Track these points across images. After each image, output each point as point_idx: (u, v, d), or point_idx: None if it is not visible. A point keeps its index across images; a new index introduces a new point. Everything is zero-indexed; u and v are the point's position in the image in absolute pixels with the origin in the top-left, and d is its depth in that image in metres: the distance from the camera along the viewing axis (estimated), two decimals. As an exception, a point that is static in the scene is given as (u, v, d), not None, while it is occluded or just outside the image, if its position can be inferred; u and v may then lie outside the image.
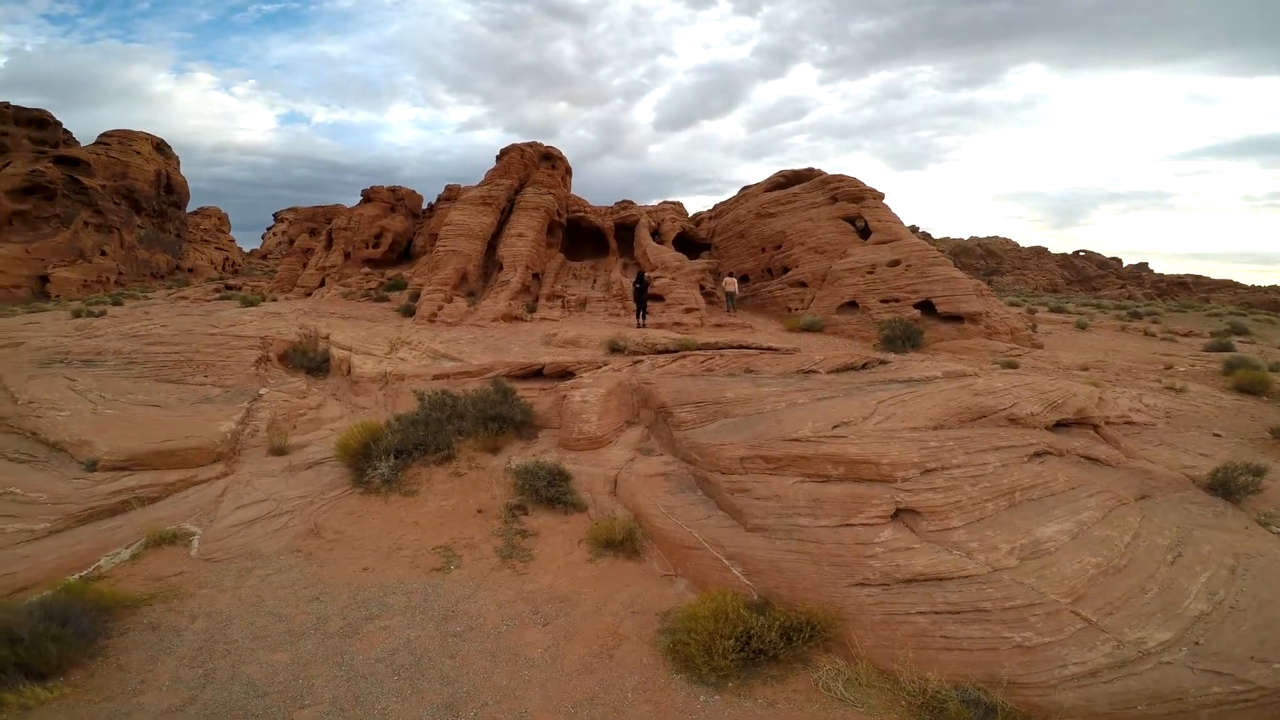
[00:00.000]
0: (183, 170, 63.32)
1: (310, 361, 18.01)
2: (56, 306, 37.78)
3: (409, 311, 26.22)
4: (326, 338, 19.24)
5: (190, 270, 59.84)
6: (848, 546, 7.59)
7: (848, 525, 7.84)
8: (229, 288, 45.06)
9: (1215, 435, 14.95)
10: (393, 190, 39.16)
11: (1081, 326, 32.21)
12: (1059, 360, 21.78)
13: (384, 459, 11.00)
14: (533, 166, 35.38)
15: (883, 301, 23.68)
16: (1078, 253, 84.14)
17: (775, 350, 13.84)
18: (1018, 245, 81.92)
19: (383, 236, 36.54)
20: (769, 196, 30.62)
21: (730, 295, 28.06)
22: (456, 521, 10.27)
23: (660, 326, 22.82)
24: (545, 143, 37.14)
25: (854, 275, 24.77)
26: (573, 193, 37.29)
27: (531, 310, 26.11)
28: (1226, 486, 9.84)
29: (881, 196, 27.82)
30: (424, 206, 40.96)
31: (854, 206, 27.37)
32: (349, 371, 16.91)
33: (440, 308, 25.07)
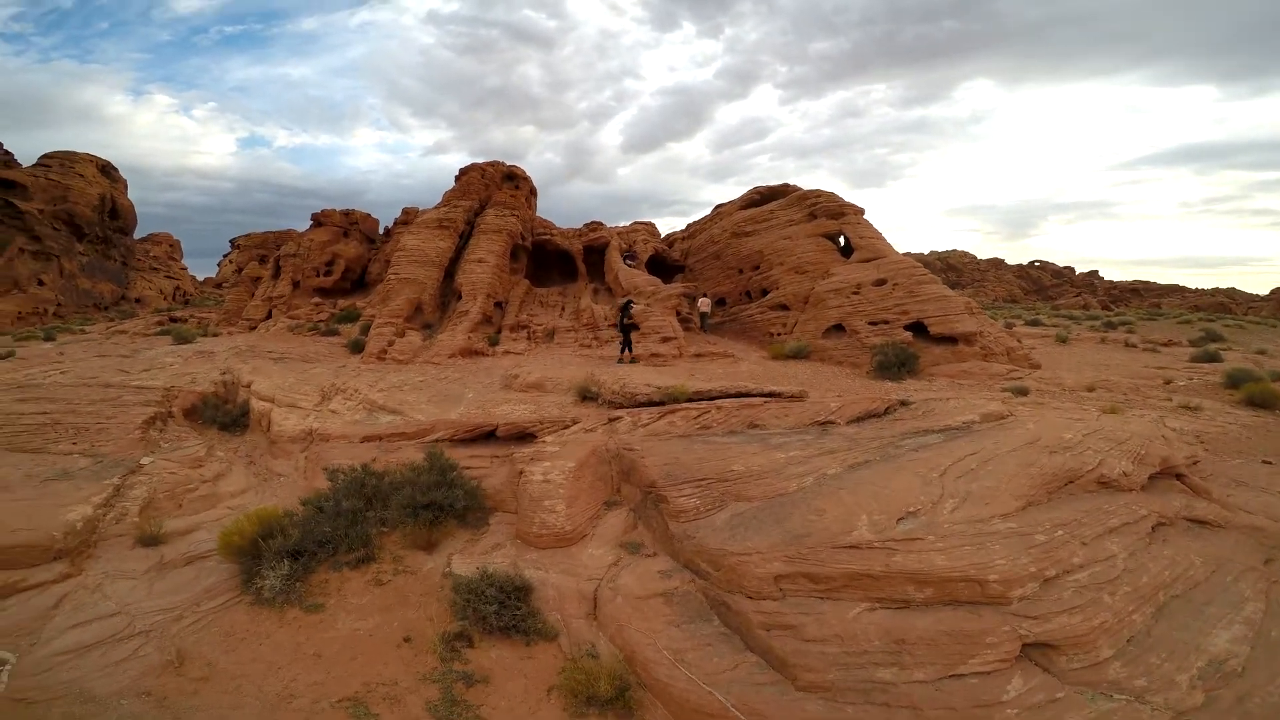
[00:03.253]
0: (139, 195, 58.60)
1: (225, 416, 14.64)
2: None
3: (358, 347, 22.82)
4: (248, 386, 15.85)
5: (137, 300, 54.96)
6: (963, 712, 4.86)
7: (956, 677, 5.15)
8: (173, 320, 40.82)
9: (1266, 463, 12.85)
10: (346, 214, 35.66)
11: (1062, 340, 30.41)
12: (1062, 382, 19.59)
13: (277, 563, 7.88)
14: (495, 187, 32.29)
15: (871, 324, 21.20)
16: (1033, 263, 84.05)
17: (780, 396, 11.03)
18: (975, 258, 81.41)
19: (335, 263, 32.98)
20: (744, 214, 28.10)
21: (704, 316, 25.48)
22: (375, 655, 7.19)
23: (636, 360, 19.94)
24: (508, 162, 34.17)
25: (839, 296, 22.28)
26: (539, 215, 34.32)
27: (493, 343, 22.97)
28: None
29: (862, 212, 25.48)
30: (381, 231, 37.56)
31: (834, 223, 24.98)
32: (269, 429, 13.61)
33: (391, 343, 21.76)
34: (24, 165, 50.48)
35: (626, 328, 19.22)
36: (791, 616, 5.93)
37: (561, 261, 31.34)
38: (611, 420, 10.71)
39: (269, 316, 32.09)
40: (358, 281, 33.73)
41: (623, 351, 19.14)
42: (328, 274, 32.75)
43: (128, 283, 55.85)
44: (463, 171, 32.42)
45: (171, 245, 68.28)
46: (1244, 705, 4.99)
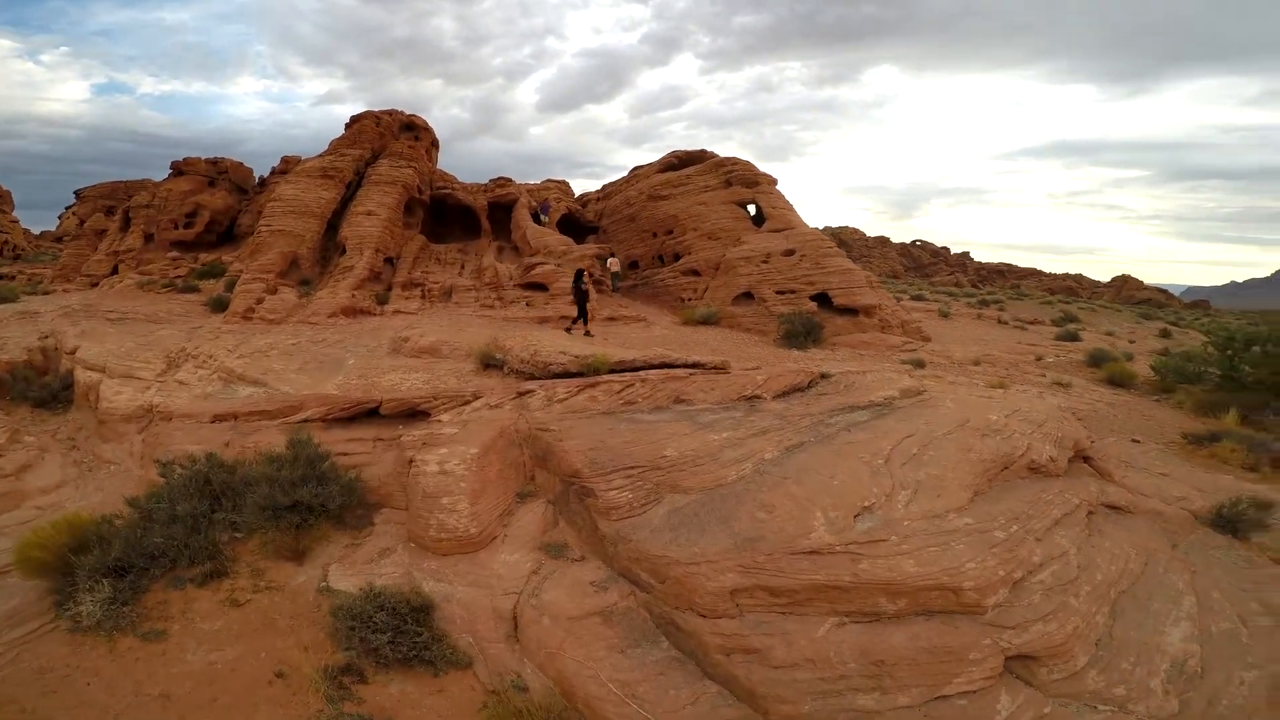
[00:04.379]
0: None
1: (42, 390, 11.79)
2: None
3: (221, 305, 19.65)
4: (73, 353, 12.90)
5: (-50, 252, 45.98)
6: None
7: (943, 699, 4.48)
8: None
9: (1134, 441, 13.56)
10: (213, 162, 30.91)
11: (944, 315, 31.78)
12: (951, 355, 20.17)
13: (95, 584, 6.01)
14: (390, 136, 28.90)
15: (779, 293, 20.83)
16: (914, 242, 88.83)
17: (704, 368, 10.01)
18: (864, 235, 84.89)
19: (197, 215, 28.46)
20: (661, 178, 26.81)
21: (615, 276, 24.24)
22: (241, 695, 5.59)
23: (545, 321, 18.37)
24: (408, 112, 30.68)
25: (749, 264, 21.70)
26: (440, 169, 31.24)
27: (382, 301, 20.53)
28: (1234, 524, 8.45)
29: (775, 182, 24.96)
30: (256, 181, 32.97)
31: (748, 191, 24.30)
32: (97, 405, 11.02)
33: (260, 300, 18.83)
34: None
35: (582, 295, 17.09)
36: (755, 638, 4.98)
37: (464, 218, 28.76)
38: (521, 394, 9.27)
39: (114, 272, 27.43)
40: (225, 235, 29.42)
41: (575, 321, 17.07)
42: (188, 226, 28.27)
43: (-65, 230, 46.47)
44: (354, 119, 28.75)
45: (1, 196, 57.47)
46: (1215, 709, 4.62)
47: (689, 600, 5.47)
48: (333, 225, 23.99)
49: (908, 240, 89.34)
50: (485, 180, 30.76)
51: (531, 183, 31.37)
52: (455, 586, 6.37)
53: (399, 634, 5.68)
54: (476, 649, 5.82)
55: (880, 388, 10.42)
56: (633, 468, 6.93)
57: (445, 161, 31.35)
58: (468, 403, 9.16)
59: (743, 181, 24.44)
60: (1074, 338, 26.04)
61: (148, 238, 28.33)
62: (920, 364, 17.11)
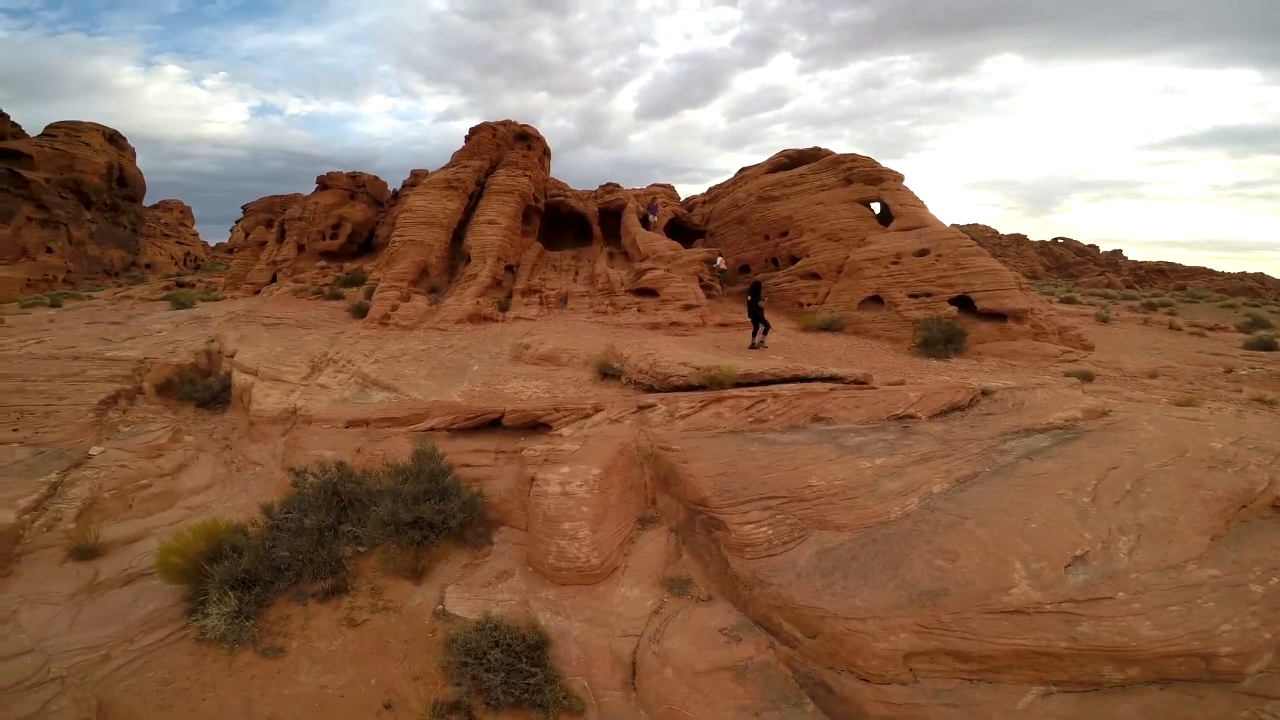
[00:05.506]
0: (153, 164, 56.30)
1: (204, 391, 12.66)
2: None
3: (361, 312, 20.75)
4: (231, 356, 13.84)
5: (148, 266, 52.90)
6: None
7: None
8: (180, 285, 38.82)
9: None
10: (353, 176, 33.23)
11: (1103, 320, 27.83)
12: (1121, 366, 17.26)
13: (222, 597, 5.93)
14: (506, 147, 29.72)
15: (912, 296, 18.84)
16: (1056, 240, 79.92)
17: (843, 381, 8.85)
18: (997, 232, 77.45)
19: (341, 226, 30.67)
20: (772, 178, 25.47)
21: (723, 274, 23.28)
22: None
23: (656, 327, 17.74)
24: (521, 122, 31.45)
25: (876, 266, 19.86)
26: (553, 177, 31.75)
27: (504, 308, 20.81)
28: None
29: (901, 178, 22.85)
30: (390, 194, 35.14)
31: (871, 189, 22.39)
32: (248, 406, 11.63)
33: (395, 308, 19.65)
34: (31, 136, 48.08)
35: (758, 311, 15.81)
36: (933, 709, 3.95)
37: (576, 224, 28.96)
38: (642, 408, 8.57)
39: (273, 280, 30.04)
40: (365, 245, 31.50)
41: (754, 336, 15.73)
42: (333, 237, 30.50)
43: (138, 249, 53.74)
44: (473, 131, 29.86)
45: (182, 211, 65.80)
46: None
47: (847, 660, 4.48)
48: (458, 234, 24.83)
49: (1047, 238, 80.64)
50: (593, 188, 30.87)
51: (637, 188, 31.06)
52: (572, 622, 5.74)
53: (512, 673, 5.12)
54: (590, 695, 5.14)
55: (1057, 407, 8.76)
56: (771, 498, 5.98)
57: (556, 171, 31.72)
58: (588, 416, 8.58)
59: (864, 178, 22.58)
60: (1269, 346, 21.73)
61: (300, 248, 30.80)
62: (1087, 377, 14.68)
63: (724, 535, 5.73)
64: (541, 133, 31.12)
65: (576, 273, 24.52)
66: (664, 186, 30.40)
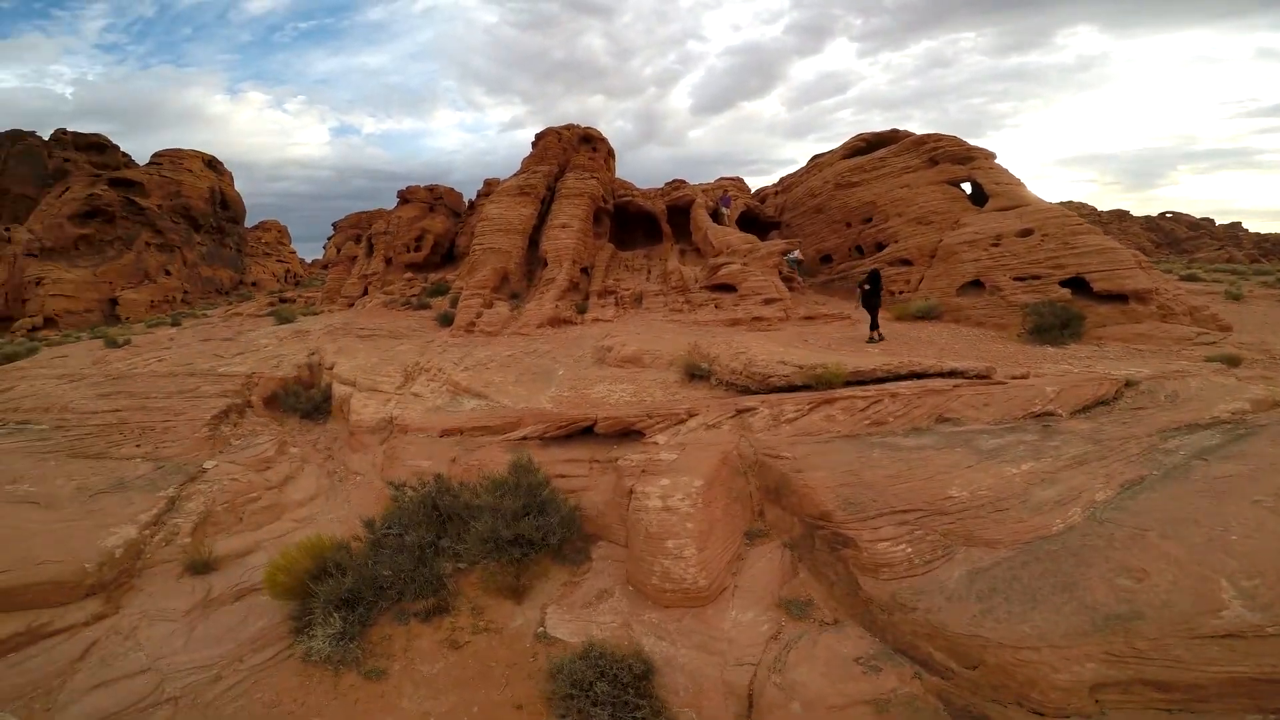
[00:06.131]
0: (249, 187, 60.48)
1: (307, 403, 13.08)
2: (124, 329, 34.62)
3: (447, 320, 21.20)
4: (330, 369, 14.28)
5: (254, 284, 56.84)
6: None
7: None
8: (282, 300, 41.35)
9: None
10: (430, 189, 34.22)
11: (1234, 297, 24.77)
12: (1270, 347, 15.17)
13: (327, 618, 5.82)
14: (572, 150, 29.72)
15: (1017, 279, 17.25)
16: (1164, 214, 72.63)
17: (965, 376, 7.94)
18: (1096, 210, 71.04)
19: (423, 239, 31.63)
20: (850, 163, 24.20)
21: (798, 264, 22.26)
22: None
23: (736, 323, 17.05)
24: (583, 125, 31.39)
25: (974, 249, 18.36)
26: (618, 177, 31.55)
27: (581, 310, 20.70)
28: None
29: (993, 156, 21.11)
30: (466, 205, 36.02)
31: (961, 169, 20.78)
32: (348, 416, 11.88)
33: (479, 314, 19.90)
34: (140, 165, 52.58)
35: (876, 302, 14.82)
36: None
37: (645, 223, 28.58)
38: (740, 412, 7.99)
39: (365, 293, 31.33)
40: (446, 255, 32.36)
41: (873, 329, 14.75)
42: (417, 249, 31.51)
43: (243, 268, 57.84)
44: (539, 137, 30.03)
45: (280, 231, 70.41)
46: None
47: (1019, 693, 3.84)
48: (533, 240, 24.99)
49: (1152, 213, 73.31)
50: (657, 186, 30.41)
51: (705, 183, 30.35)
52: (679, 648, 5.25)
53: (618, 706, 4.70)
54: (704, 730, 4.64)
55: (1219, 399, 7.54)
56: (906, 511, 5.30)
57: (618, 172, 31.53)
58: (682, 421, 8.09)
59: (952, 158, 20.98)
60: None
61: (387, 261, 31.98)
62: (1234, 361, 12.82)
63: (853, 554, 5.10)
64: (604, 134, 30.97)
65: (649, 271, 24.14)
66: (733, 179, 29.55)
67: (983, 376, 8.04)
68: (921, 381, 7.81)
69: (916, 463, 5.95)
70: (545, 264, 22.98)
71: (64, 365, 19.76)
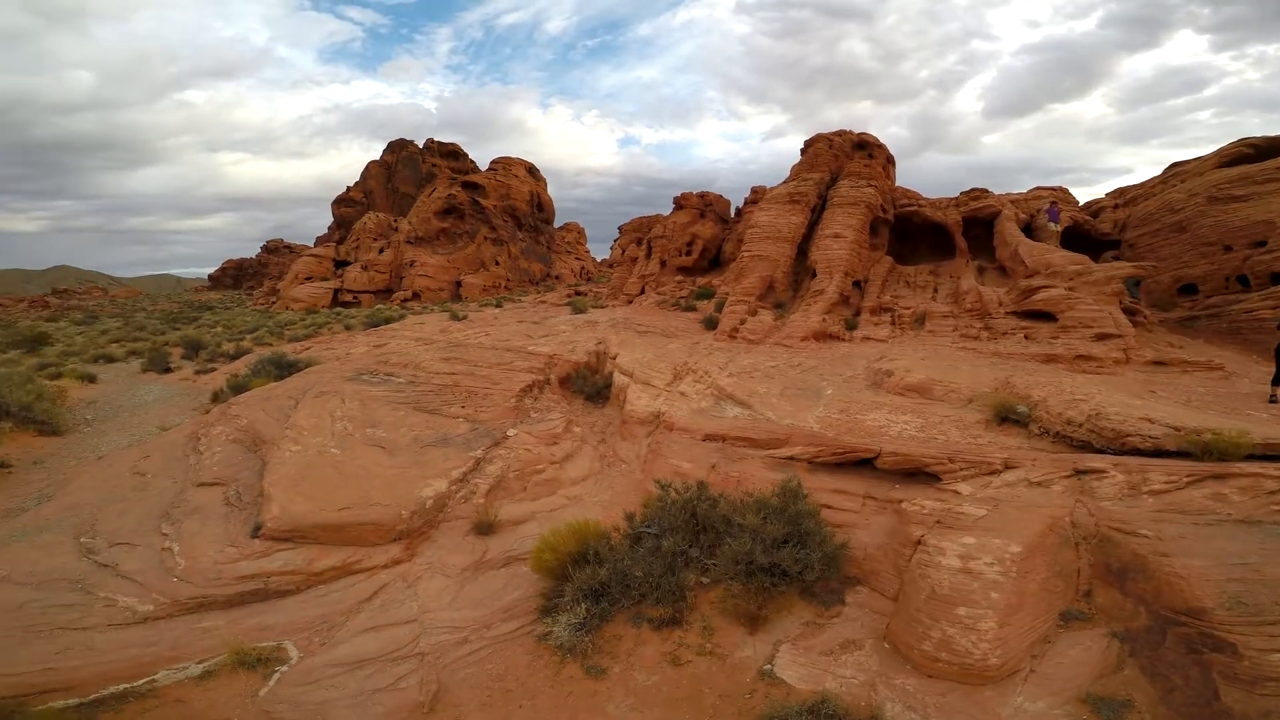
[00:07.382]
0: (555, 192, 70.26)
1: (592, 387, 14.25)
2: (462, 306, 43.07)
3: (712, 324, 21.55)
4: (614, 358, 15.36)
5: (557, 277, 65.85)
6: None
7: None
8: (578, 293, 47.02)
9: None
10: (701, 196, 35.37)
11: None
12: None
13: (574, 605, 5.90)
14: (845, 157, 27.70)
15: None
16: None
17: None
18: None
19: (694, 244, 32.85)
20: (1229, 173, 18.27)
21: (1134, 292, 17.43)
22: None
23: (1052, 359, 13.88)
24: (857, 130, 29.02)
25: None
26: (900, 186, 28.56)
27: (851, 326, 19.12)
28: None
29: None
30: (732, 212, 36.46)
31: None
32: (623, 405, 12.57)
33: (743, 321, 19.74)
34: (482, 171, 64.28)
35: None
36: None
37: (931, 236, 25.34)
38: (1080, 473, 6.18)
39: (642, 292, 33.73)
40: (713, 260, 33.18)
41: (1276, 387, 10.46)
42: (688, 254, 32.85)
43: (551, 263, 67.37)
44: (808, 143, 28.62)
45: (579, 232, 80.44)
46: None
47: None
48: (801, 250, 24.00)
49: None
50: (939, 195, 26.62)
51: (1015, 193, 25.62)
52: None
53: None
54: None
55: None
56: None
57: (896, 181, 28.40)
58: (996, 472, 6.57)
59: None
60: None
61: (662, 263, 33.95)
62: None
63: (1226, 661, 3.58)
64: (880, 140, 28.27)
65: (935, 290, 21.29)
66: (1057, 189, 24.54)
67: None
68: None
69: None
70: (814, 275, 21.82)
71: (420, 330, 24.92)
